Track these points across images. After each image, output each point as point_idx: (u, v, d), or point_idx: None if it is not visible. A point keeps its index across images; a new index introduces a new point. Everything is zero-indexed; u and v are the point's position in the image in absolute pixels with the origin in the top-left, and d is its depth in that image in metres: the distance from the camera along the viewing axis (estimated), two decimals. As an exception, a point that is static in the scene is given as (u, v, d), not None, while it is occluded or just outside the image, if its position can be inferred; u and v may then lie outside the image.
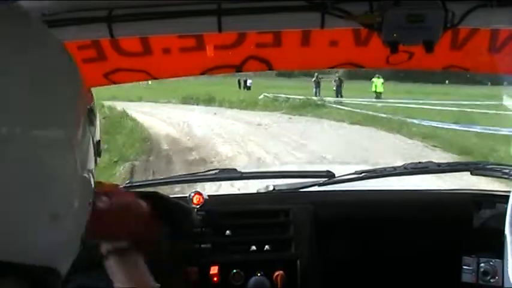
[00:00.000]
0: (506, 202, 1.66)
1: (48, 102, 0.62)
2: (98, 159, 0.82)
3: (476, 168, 1.93)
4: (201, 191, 1.73)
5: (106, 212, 1.00)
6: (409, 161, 2.05)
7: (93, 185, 0.73)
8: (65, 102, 0.65)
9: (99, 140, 0.83)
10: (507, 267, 1.60)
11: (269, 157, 9.88)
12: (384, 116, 15.57)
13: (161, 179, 2.03)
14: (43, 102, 0.61)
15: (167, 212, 1.46)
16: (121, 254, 1.01)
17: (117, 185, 1.21)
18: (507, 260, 1.61)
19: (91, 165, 0.71)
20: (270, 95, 23.31)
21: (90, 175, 0.71)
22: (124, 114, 15.52)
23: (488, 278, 1.66)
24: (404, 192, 2.09)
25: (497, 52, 1.50)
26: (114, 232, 1.02)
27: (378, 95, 23.46)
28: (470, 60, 1.60)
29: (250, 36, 1.50)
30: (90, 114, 0.73)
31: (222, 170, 1.99)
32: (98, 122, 0.84)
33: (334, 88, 25.04)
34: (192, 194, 1.72)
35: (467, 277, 1.69)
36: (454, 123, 13.67)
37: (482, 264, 1.67)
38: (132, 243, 1.04)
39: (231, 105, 20.55)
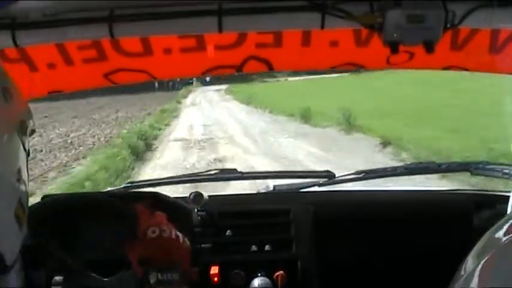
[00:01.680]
0: (507, 202, 1.66)
1: None
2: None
3: (476, 168, 1.93)
4: (201, 191, 1.73)
5: (158, 239, 1.00)
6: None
7: (24, 162, 0.79)
8: None
9: (23, 120, 0.84)
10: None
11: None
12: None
13: (161, 179, 2.02)
14: None
15: (168, 212, 1.46)
16: (169, 285, 1.02)
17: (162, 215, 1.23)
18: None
19: (14, 139, 0.76)
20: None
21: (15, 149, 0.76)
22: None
23: (489, 278, 1.65)
24: (404, 192, 2.09)
25: (497, 52, 1.51)
26: (166, 260, 1.02)
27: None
28: (470, 61, 1.60)
29: (251, 37, 1.50)
30: (4, 91, 0.76)
31: (223, 170, 1.99)
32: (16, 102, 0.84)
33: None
34: (193, 194, 1.72)
35: (467, 277, 1.69)
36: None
37: (482, 265, 1.67)
38: (183, 275, 1.04)
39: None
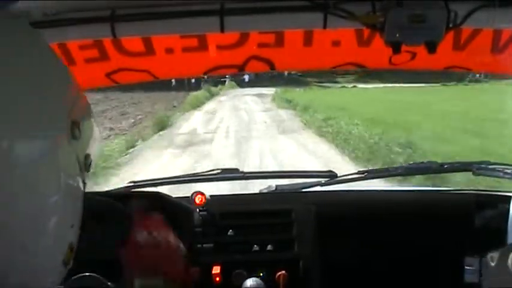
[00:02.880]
0: (508, 202, 1.66)
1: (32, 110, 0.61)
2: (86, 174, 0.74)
3: (478, 168, 1.93)
4: (203, 191, 1.73)
5: (145, 247, 1.00)
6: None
7: (80, 204, 0.71)
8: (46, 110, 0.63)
9: (88, 154, 0.74)
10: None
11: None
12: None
13: (163, 179, 2.02)
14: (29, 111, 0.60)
15: (169, 212, 1.46)
16: None
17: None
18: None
19: (74, 181, 0.68)
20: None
21: (74, 193, 0.68)
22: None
23: (491, 278, 1.65)
24: (406, 192, 2.09)
25: (500, 52, 1.50)
26: (150, 268, 1.02)
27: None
28: (472, 61, 1.60)
29: (253, 36, 1.50)
30: (73, 127, 0.68)
31: (225, 170, 1.99)
32: (86, 136, 0.74)
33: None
34: (194, 194, 1.72)
35: (469, 277, 1.69)
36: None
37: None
38: (165, 282, 1.03)
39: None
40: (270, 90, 28.76)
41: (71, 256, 0.68)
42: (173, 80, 19.05)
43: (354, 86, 32.87)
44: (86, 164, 0.72)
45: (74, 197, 0.68)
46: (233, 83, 35.01)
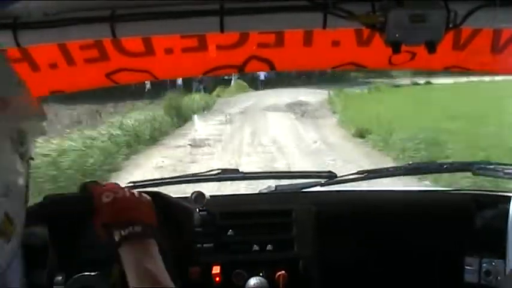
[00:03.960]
0: (508, 202, 1.66)
1: None
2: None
3: (478, 168, 1.93)
4: (203, 191, 1.73)
5: (113, 202, 1.01)
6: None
7: (16, 175, 0.76)
8: None
9: (21, 130, 0.81)
10: (509, 267, 1.60)
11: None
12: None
13: (163, 179, 2.02)
14: None
15: (169, 211, 1.46)
16: (135, 239, 1.01)
17: (117, 184, 1.21)
18: (509, 259, 1.61)
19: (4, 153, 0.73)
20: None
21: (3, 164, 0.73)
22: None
23: (491, 278, 1.66)
24: (406, 192, 2.09)
25: (500, 52, 1.50)
26: (125, 218, 1.02)
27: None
28: (472, 61, 1.60)
29: (253, 37, 1.50)
30: None
31: (225, 170, 1.99)
32: (14, 111, 0.80)
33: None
34: (194, 194, 1.72)
35: (469, 277, 1.69)
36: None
37: (484, 265, 1.67)
38: (145, 227, 1.03)
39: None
40: (309, 94, 20.66)
41: (9, 227, 0.71)
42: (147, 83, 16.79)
43: (428, 82, 24.55)
44: (19, 139, 0.77)
45: (6, 166, 0.73)
46: (242, 82, 24.38)
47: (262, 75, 24.00)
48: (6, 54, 0.93)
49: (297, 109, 17.11)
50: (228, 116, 15.46)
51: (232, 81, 24.09)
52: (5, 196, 0.70)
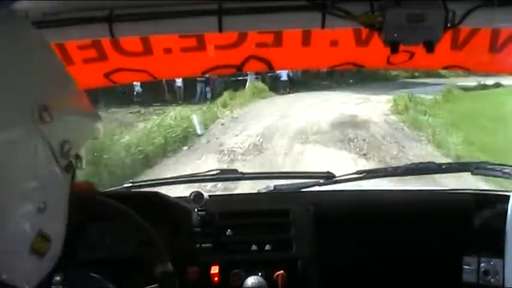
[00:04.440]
0: (507, 202, 1.67)
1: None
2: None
3: (477, 168, 1.93)
4: (201, 191, 1.73)
5: None
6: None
7: (55, 190, 0.69)
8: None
9: (65, 141, 0.72)
10: (508, 267, 1.60)
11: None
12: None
13: (162, 179, 2.02)
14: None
15: (168, 212, 1.46)
16: None
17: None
18: (508, 259, 1.61)
19: (44, 166, 0.67)
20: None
21: (43, 177, 0.67)
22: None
23: (489, 277, 1.66)
24: (405, 192, 2.09)
25: (498, 52, 1.51)
26: None
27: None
28: (471, 60, 1.60)
29: (251, 36, 1.50)
30: (42, 111, 0.66)
31: (223, 171, 1.99)
32: (61, 121, 0.71)
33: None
34: (193, 194, 1.72)
35: (468, 277, 1.69)
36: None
37: (482, 264, 1.67)
38: None
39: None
40: (356, 102, 14.79)
41: (44, 245, 0.66)
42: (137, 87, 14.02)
43: (497, 84, 18.98)
44: (62, 151, 0.70)
45: (44, 181, 0.67)
46: (260, 84, 18.34)
47: (284, 75, 18.51)
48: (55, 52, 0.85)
49: (353, 135, 10.00)
50: (226, 160, 8.60)
51: (248, 83, 17.78)
52: (41, 212, 0.65)
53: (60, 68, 0.79)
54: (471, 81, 19.35)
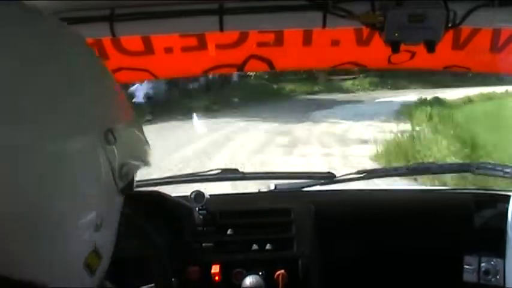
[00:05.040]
0: (508, 201, 1.67)
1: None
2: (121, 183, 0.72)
3: (478, 168, 1.93)
4: (202, 190, 1.74)
5: None
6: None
7: (112, 210, 0.70)
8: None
9: (124, 164, 0.72)
10: (508, 267, 1.60)
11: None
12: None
13: (162, 179, 2.02)
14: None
15: (169, 211, 1.46)
16: None
17: None
18: (508, 259, 1.61)
19: (104, 186, 0.68)
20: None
21: (103, 197, 0.67)
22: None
23: (490, 277, 1.66)
24: (405, 191, 2.09)
25: (499, 52, 1.50)
26: None
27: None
28: (472, 60, 1.60)
29: (252, 36, 1.50)
30: (108, 133, 0.67)
31: (224, 170, 1.99)
32: (122, 143, 0.71)
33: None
34: (194, 193, 1.72)
35: (468, 276, 1.70)
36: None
37: (483, 264, 1.67)
38: None
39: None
40: None
41: (96, 261, 0.66)
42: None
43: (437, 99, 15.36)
44: (121, 173, 0.71)
45: (103, 199, 0.68)
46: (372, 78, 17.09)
47: (140, 95, 13.37)
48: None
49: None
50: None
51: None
52: (97, 231, 0.66)
53: (118, 88, 0.80)
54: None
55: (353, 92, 20.28)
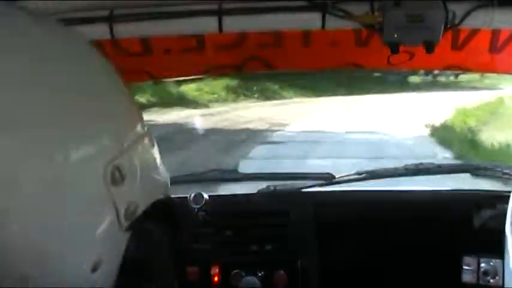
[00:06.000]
0: (507, 202, 1.66)
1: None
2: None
3: (477, 169, 1.93)
4: (201, 192, 1.73)
5: None
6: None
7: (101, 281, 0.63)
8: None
9: (133, 202, 0.64)
10: (508, 267, 1.60)
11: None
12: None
13: None
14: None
15: (168, 212, 1.46)
16: None
17: None
18: (507, 260, 1.61)
19: (106, 229, 0.60)
20: None
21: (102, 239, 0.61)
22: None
23: (489, 278, 1.66)
24: (404, 192, 2.09)
25: (498, 52, 1.50)
26: None
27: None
28: (471, 61, 1.60)
29: (251, 37, 1.50)
30: (114, 172, 0.59)
31: (224, 171, 1.99)
32: (131, 180, 0.63)
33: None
34: (193, 195, 1.72)
35: (467, 277, 1.69)
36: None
37: (482, 265, 1.67)
38: None
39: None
40: None
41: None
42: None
43: None
44: (127, 212, 0.62)
45: (102, 239, 0.61)
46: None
47: None
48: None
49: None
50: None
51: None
52: (93, 271, 0.60)
53: (133, 107, 0.70)
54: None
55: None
